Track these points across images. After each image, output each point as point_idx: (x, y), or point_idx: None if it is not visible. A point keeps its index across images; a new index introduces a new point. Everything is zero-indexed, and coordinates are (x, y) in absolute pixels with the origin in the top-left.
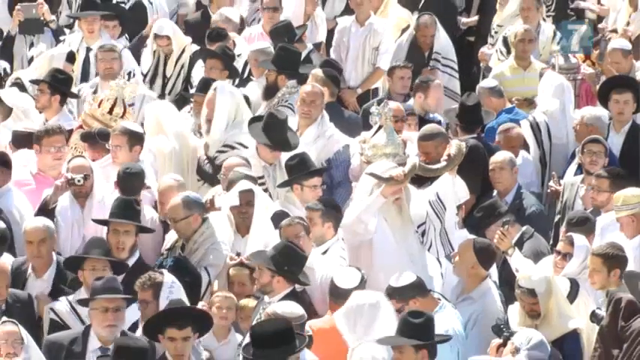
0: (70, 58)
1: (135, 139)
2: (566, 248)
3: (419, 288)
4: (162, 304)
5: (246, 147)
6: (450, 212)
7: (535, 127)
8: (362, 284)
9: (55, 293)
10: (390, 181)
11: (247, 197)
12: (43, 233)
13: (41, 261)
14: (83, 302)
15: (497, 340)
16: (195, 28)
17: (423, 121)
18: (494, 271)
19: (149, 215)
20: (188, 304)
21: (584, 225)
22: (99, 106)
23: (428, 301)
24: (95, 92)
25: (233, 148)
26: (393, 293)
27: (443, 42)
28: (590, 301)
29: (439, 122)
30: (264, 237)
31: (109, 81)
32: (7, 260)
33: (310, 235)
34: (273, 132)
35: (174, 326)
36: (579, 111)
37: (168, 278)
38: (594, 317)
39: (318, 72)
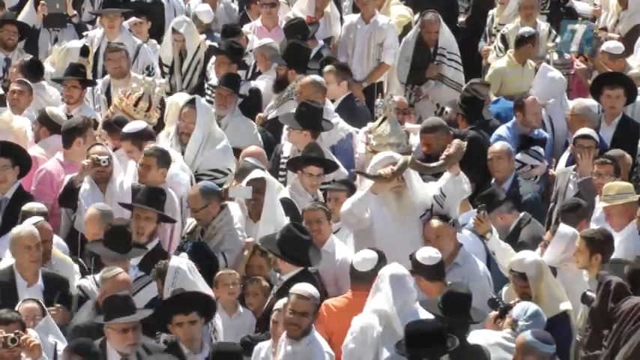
0: (84, 52)
1: (140, 138)
2: (550, 238)
3: (430, 271)
4: (167, 290)
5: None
6: (455, 206)
7: None
8: (380, 264)
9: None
10: (378, 178)
11: (258, 185)
12: (38, 236)
13: (37, 266)
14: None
15: (494, 313)
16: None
17: (528, 140)
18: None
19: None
20: (203, 286)
21: (576, 210)
22: (127, 98)
23: (435, 285)
24: (108, 90)
25: (225, 173)
26: (412, 260)
27: (447, 37)
28: (563, 292)
29: (545, 139)
30: (274, 223)
31: (119, 79)
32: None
33: (330, 220)
34: (306, 118)
35: (180, 312)
36: (570, 102)
37: (173, 263)
38: (585, 299)
39: (331, 68)
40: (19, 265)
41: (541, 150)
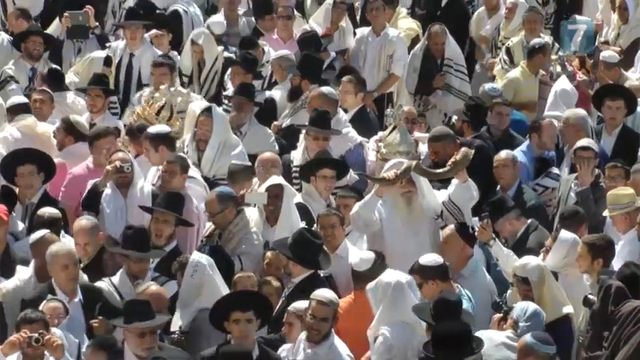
0: (107, 62)
1: (158, 140)
2: (552, 244)
3: (441, 272)
4: (186, 281)
5: None
6: (468, 211)
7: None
8: (376, 265)
9: (92, 312)
10: (382, 181)
11: (276, 191)
12: (75, 255)
13: (74, 283)
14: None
15: (498, 315)
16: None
17: (540, 161)
18: None
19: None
20: (221, 284)
21: (575, 218)
22: (149, 107)
23: (445, 286)
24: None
25: None
26: (417, 269)
27: (453, 49)
28: (565, 296)
29: (553, 158)
30: (290, 227)
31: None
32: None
33: (344, 225)
34: (321, 123)
35: (239, 309)
36: (565, 112)
37: (194, 257)
38: (586, 302)
39: (348, 79)
40: (57, 282)
41: (557, 170)
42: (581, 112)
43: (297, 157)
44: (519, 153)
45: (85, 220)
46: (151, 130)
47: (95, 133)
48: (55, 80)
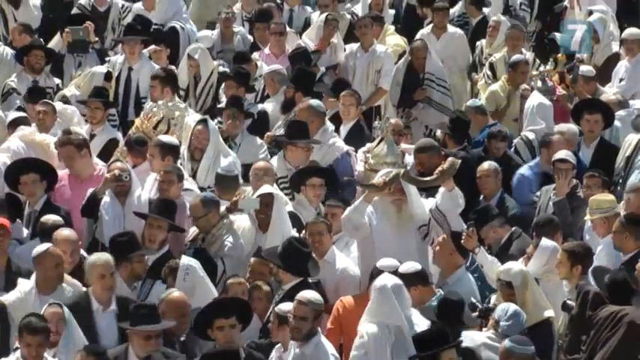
0: (107, 77)
1: (166, 149)
2: (533, 251)
3: (421, 277)
4: (179, 285)
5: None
6: (456, 218)
7: (529, 145)
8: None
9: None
10: (370, 187)
11: (267, 199)
12: (112, 265)
13: (110, 293)
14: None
15: (475, 314)
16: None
17: (546, 176)
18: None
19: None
20: (210, 285)
21: (549, 226)
22: (147, 120)
23: (427, 290)
24: None
25: None
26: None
27: (435, 64)
28: (546, 300)
29: None
30: (281, 234)
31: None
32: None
33: (331, 233)
34: (300, 134)
35: (222, 316)
36: (557, 127)
37: (184, 261)
38: (565, 307)
39: (350, 92)
40: (94, 291)
41: None
42: (575, 127)
43: (279, 169)
44: (526, 168)
45: (67, 231)
46: (163, 138)
47: (56, 144)
48: (35, 96)
